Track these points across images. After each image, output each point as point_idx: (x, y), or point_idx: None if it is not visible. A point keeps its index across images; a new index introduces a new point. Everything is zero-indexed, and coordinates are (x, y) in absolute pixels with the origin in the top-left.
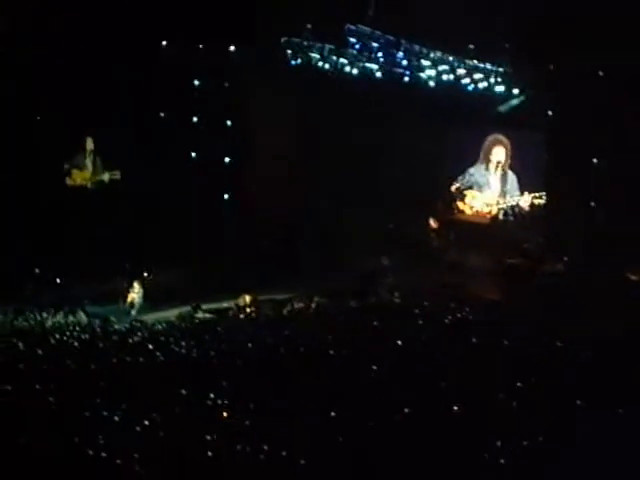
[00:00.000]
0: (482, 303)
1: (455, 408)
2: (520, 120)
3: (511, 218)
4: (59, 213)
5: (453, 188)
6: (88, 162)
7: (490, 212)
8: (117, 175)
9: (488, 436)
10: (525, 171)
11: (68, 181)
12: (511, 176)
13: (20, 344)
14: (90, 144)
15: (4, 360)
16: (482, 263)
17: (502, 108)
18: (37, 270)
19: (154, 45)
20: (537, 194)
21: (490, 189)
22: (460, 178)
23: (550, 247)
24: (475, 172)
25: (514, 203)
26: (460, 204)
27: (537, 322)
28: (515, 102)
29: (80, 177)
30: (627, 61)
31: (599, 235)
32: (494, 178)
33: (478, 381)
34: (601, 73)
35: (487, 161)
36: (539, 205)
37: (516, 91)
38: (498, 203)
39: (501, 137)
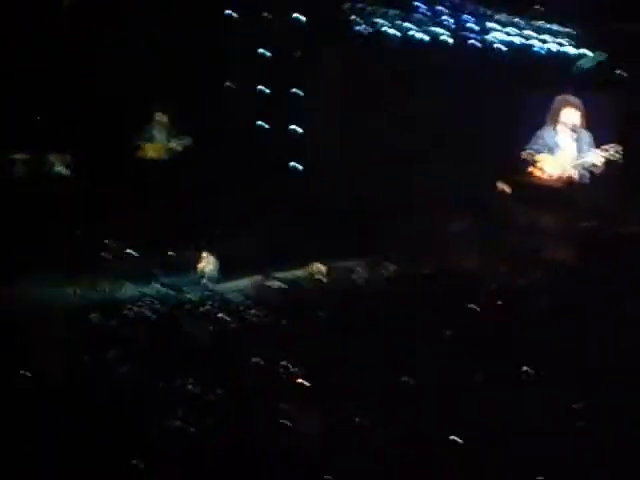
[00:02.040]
0: (558, 268)
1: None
2: (590, 81)
3: (586, 179)
4: (130, 186)
5: (524, 154)
6: (158, 134)
7: (564, 174)
8: (187, 141)
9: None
10: (598, 129)
11: (139, 154)
12: (585, 135)
13: (94, 316)
14: (160, 116)
15: (80, 332)
16: (556, 227)
17: (583, 63)
18: (108, 241)
19: (218, 14)
20: (611, 148)
21: (562, 151)
22: (531, 143)
23: (628, 207)
24: (545, 135)
25: (588, 161)
26: (532, 169)
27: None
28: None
29: (151, 149)
30: None
31: None
32: (566, 139)
33: (557, 347)
34: None
35: (556, 123)
36: (615, 160)
37: (585, 52)
38: (571, 164)
39: (570, 98)
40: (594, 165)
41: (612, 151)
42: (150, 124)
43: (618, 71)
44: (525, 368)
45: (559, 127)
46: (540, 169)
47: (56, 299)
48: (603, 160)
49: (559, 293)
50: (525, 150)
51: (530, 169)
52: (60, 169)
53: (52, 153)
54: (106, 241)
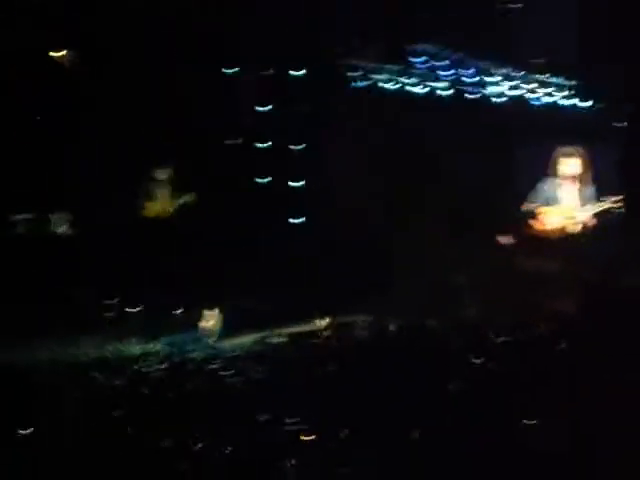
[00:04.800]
0: (559, 318)
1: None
2: (590, 133)
3: (587, 231)
4: (132, 245)
5: (525, 207)
6: (160, 192)
7: (565, 226)
8: (191, 198)
9: None
10: (598, 181)
11: (142, 213)
12: (585, 186)
13: (98, 375)
14: (161, 174)
15: (83, 392)
16: (558, 280)
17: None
18: (114, 300)
19: (216, 71)
20: (611, 200)
21: (563, 203)
22: (531, 196)
23: (630, 259)
24: (545, 187)
25: (590, 214)
26: (533, 222)
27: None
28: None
29: (154, 208)
30: None
31: None
32: (566, 191)
33: (560, 401)
34: None
35: (557, 175)
36: (616, 212)
37: (586, 104)
38: (572, 217)
39: (569, 149)
40: (595, 217)
41: (613, 203)
42: (152, 182)
43: (616, 122)
44: (527, 422)
45: (559, 179)
46: (541, 222)
47: (60, 359)
48: (604, 212)
49: (562, 346)
50: (526, 203)
51: (531, 222)
52: (62, 229)
53: (53, 213)
54: (109, 301)
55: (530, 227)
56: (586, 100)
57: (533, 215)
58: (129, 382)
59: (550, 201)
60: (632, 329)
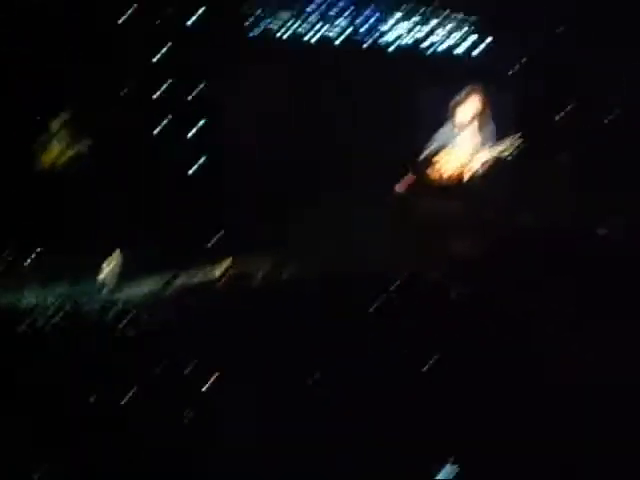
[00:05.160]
0: (461, 261)
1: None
2: (490, 75)
3: (483, 174)
4: (25, 195)
5: (423, 156)
6: (54, 141)
7: (463, 170)
8: (83, 148)
9: None
10: (495, 123)
11: (37, 162)
12: (484, 132)
13: None
14: (53, 124)
15: None
16: (456, 222)
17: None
18: (6, 252)
19: (112, 17)
20: (507, 142)
21: (461, 147)
22: (431, 142)
23: (526, 198)
24: (445, 132)
25: (485, 158)
26: (433, 167)
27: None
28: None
29: (48, 155)
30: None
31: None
32: (465, 136)
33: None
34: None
35: (455, 119)
36: (512, 153)
37: (483, 47)
38: (469, 162)
39: (468, 94)
40: (491, 161)
41: (509, 145)
42: (44, 133)
43: (515, 64)
44: (431, 362)
45: (458, 123)
46: (440, 166)
47: None
48: (501, 154)
49: (464, 285)
50: (426, 149)
51: (430, 167)
52: None
53: None
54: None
55: (429, 174)
56: (481, 45)
57: (433, 160)
58: (23, 336)
59: (449, 146)
60: (532, 263)
